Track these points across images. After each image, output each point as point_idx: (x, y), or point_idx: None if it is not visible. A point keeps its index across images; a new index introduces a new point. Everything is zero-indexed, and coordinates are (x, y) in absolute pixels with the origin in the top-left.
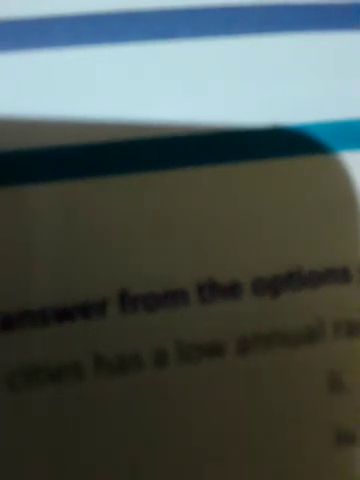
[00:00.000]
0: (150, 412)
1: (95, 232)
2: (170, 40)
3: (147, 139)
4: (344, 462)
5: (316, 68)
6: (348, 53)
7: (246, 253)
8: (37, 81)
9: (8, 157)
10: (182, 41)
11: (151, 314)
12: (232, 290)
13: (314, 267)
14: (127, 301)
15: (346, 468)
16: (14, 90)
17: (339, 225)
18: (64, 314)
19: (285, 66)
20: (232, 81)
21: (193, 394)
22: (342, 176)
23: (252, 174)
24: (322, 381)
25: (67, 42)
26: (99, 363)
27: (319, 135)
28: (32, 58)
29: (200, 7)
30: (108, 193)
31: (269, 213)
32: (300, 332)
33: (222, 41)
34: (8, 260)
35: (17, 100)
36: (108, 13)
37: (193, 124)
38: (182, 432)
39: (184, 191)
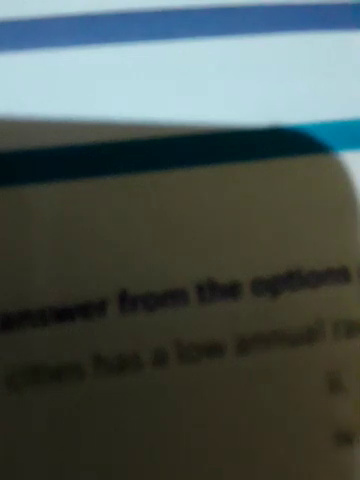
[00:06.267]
0: (150, 412)
1: (95, 232)
2: (170, 40)
3: (147, 139)
4: (344, 462)
5: (316, 68)
6: (347, 53)
7: (246, 253)
8: (37, 81)
9: (8, 157)
10: (182, 41)
11: (151, 314)
12: (232, 290)
13: (314, 267)
14: (127, 301)
15: (346, 468)
16: (14, 90)
17: (339, 225)
18: (64, 314)
19: (285, 66)
20: (232, 81)
21: (193, 394)
22: (342, 176)
23: (252, 174)
24: (322, 381)
25: (67, 42)
26: (99, 363)
27: (319, 135)
28: (32, 58)
29: (200, 7)
30: (108, 193)
31: (269, 213)
32: (300, 332)
33: (222, 41)
34: (8, 260)
35: (17, 100)
36: (108, 13)
37: (193, 124)
38: (181, 432)
39: (184, 191)
